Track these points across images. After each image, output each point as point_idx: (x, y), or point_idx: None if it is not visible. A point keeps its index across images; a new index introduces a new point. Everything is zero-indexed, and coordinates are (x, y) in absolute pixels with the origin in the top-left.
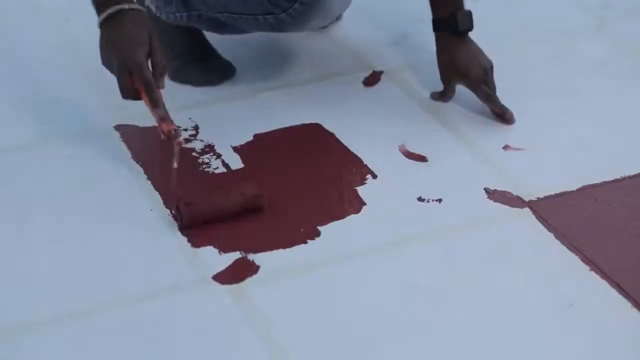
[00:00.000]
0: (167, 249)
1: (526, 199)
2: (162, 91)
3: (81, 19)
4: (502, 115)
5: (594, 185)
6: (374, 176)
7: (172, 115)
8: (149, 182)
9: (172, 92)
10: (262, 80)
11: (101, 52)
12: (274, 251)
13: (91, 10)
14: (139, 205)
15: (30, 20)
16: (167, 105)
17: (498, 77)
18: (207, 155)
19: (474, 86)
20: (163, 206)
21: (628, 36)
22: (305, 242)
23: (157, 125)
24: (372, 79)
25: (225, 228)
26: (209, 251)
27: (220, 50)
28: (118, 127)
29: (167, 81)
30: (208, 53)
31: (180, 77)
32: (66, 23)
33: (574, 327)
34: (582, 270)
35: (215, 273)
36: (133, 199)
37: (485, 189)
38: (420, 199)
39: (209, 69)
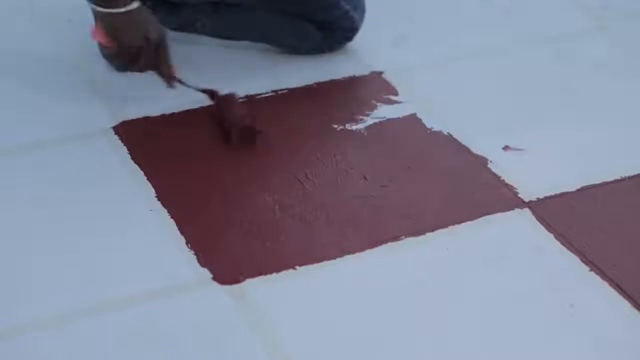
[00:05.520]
0: (167, 249)
1: (526, 199)
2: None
3: (83, 20)
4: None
5: (594, 186)
6: (374, 176)
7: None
8: (149, 182)
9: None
10: (261, 81)
11: (132, 29)
12: (274, 251)
13: (91, 12)
14: (139, 205)
15: (32, 21)
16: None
17: (500, 78)
18: None
19: None
20: (163, 206)
21: (628, 36)
22: (305, 241)
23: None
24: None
25: (226, 227)
26: (209, 251)
27: (222, 52)
28: (117, 127)
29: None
30: None
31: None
32: (68, 24)
33: (574, 328)
34: (582, 271)
35: (215, 273)
36: (133, 199)
37: (485, 188)
38: (420, 199)
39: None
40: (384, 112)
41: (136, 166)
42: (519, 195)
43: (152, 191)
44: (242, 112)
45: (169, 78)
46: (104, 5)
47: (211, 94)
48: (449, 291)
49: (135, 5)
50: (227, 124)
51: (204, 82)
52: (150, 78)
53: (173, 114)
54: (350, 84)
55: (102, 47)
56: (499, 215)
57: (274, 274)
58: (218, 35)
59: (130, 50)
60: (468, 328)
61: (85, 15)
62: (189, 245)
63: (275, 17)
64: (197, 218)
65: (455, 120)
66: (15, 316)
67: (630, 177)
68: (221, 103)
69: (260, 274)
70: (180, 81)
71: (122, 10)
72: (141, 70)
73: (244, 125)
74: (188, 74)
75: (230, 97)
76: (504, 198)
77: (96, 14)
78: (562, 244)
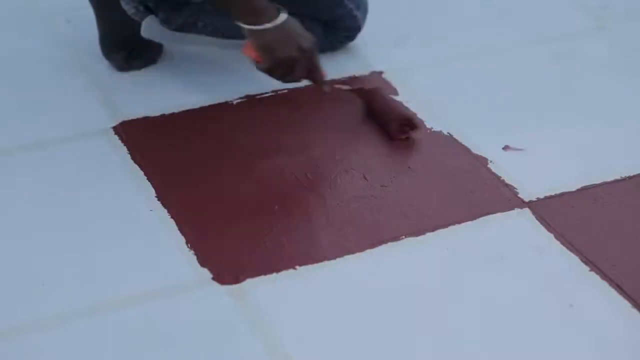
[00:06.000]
0: (167, 249)
1: (526, 199)
2: None
3: (83, 20)
4: None
5: (594, 186)
6: (374, 176)
7: None
8: (149, 182)
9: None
10: (261, 81)
11: (284, 42)
12: (274, 251)
13: (91, 12)
14: (139, 205)
15: (32, 21)
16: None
17: (500, 78)
18: None
19: None
20: (163, 206)
21: (628, 36)
22: (305, 241)
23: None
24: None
25: (226, 227)
26: (209, 251)
27: (222, 51)
28: (117, 127)
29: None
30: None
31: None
32: (68, 24)
33: (574, 328)
34: (582, 271)
35: (215, 273)
36: (133, 199)
37: (485, 188)
38: (420, 199)
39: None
40: None
41: (136, 166)
42: (519, 195)
43: (152, 191)
44: (398, 105)
45: (323, 84)
46: (253, 23)
47: (361, 91)
48: (449, 291)
49: (283, 17)
50: (387, 116)
51: (204, 82)
52: (150, 78)
53: (173, 114)
54: (351, 84)
55: (256, 63)
56: (499, 215)
57: (274, 274)
58: (220, 35)
59: (285, 63)
60: (468, 328)
61: (85, 15)
62: (189, 245)
63: None
64: (197, 218)
65: (455, 120)
66: (15, 316)
67: (630, 177)
68: (376, 98)
69: (260, 274)
70: (332, 85)
71: (271, 25)
72: (296, 80)
73: (405, 117)
74: (188, 74)
75: (379, 92)
76: (504, 198)
77: (246, 32)
78: (562, 244)
